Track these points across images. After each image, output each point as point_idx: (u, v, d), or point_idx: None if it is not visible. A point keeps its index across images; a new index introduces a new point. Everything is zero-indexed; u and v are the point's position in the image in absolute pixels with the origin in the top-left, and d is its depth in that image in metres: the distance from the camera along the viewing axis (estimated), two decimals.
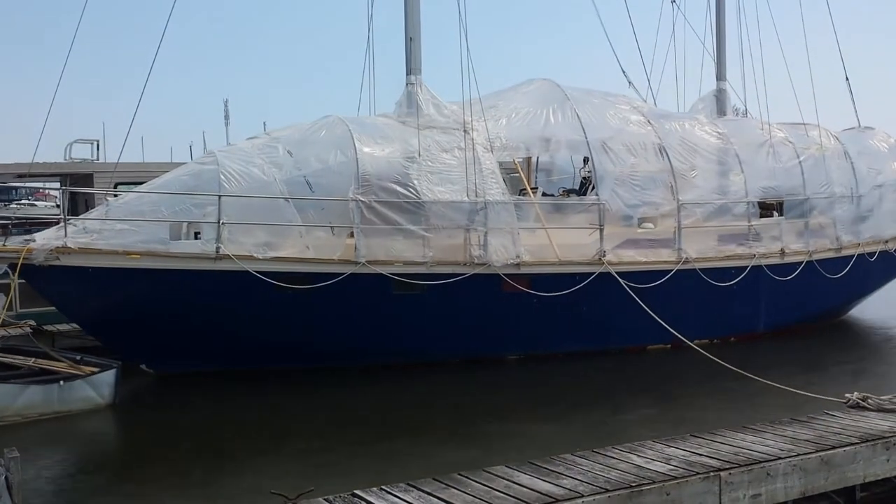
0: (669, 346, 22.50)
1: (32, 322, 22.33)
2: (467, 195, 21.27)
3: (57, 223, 20.65)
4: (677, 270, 23.02)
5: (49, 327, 22.79)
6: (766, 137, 26.72)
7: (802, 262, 25.50)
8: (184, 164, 24.65)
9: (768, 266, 24.87)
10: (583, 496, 9.24)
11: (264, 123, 61.94)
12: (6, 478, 10.18)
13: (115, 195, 22.52)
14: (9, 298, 21.63)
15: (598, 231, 22.44)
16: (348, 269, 19.97)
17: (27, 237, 20.22)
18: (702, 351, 19.16)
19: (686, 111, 28.75)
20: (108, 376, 18.43)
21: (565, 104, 24.44)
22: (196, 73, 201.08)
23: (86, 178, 26.89)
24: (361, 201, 20.48)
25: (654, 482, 9.60)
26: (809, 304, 26.37)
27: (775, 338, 24.98)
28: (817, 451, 10.74)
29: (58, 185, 27.97)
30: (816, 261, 25.88)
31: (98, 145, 30.67)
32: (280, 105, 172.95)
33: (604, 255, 22.16)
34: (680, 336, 20.47)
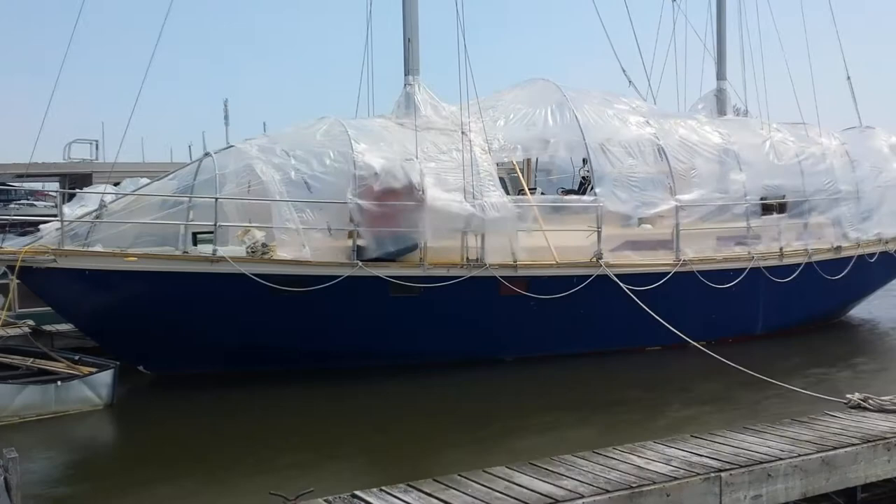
0: (668, 347, 22.49)
1: (31, 322, 22.35)
2: (465, 197, 21.21)
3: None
4: (675, 272, 23.00)
5: (48, 327, 22.78)
6: (766, 137, 26.69)
7: (801, 264, 25.47)
8: (184, 164, 24.62)
9: (767, 268, 24.83)
10: (583, 497, 9.22)
11: (264, 124, 62.02)
12: (5, 478, 10.15)
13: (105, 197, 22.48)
14: (8, 299, 21.62)
15: (595, 232, 22.42)
16: (345, 272, 19.94)
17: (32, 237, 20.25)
18: (710, 353, 19.07)
19: (686, 111, 28.74)
20: (106, 377, 18.40)
21: (564, 105, 24.41)
22: (196, 74, 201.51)
23: (84, 178, 26.86)
24: (358, 203, 20.46)
25: (655, 483, 9.58)
26: (808, 306, 26.33)
27: (773, 339, 24.94)
28: (818, 452, 10.73)
29: (57, 185, 27.98)
30: (815, 262, 25.86)
31: (97, 145, 30.67)
32: (280, 105, 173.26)
33: (601, 257, 22.12)
34: (686, 338, 20.38)
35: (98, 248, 19.60)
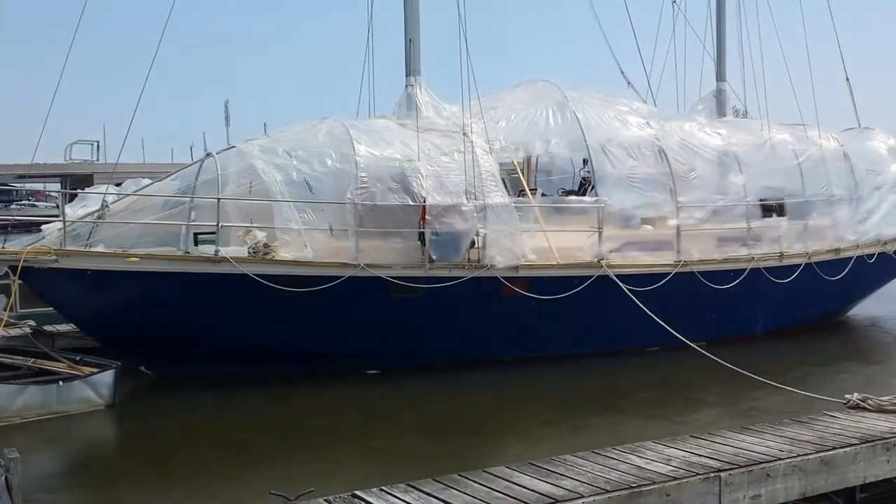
0: (669, 348, 22.48)
1: (32, 322, 22.35)
2: (466, 198, 21.23)
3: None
4: (676, 273, 23.02)
5: (49, 328, 22.78)
6: (765, 138, 26.73)
7: (801, 265, 25.49)
8: (184, 164, 24.63)
9: (767, 268, 24.85)
10: (583, 497, 9.24)
11: (265, 125, 62.03)
12: (6, 478, 10.18)
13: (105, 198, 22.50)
14: (10, 300, 21.64)
15: (597, 233, 22.45)
16: (347, 272, 19.97)
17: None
18: (711, 356, 19.05)
19: (686, 112, 28.75)
20: (107, 377, 18.43)
21: (564, 105, 24.45)
22: (197, 74, 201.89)
23: (86, 179, 26.84)
24: (359, 203, 20.50)
25: (655, 483, 9.60)
26: (807, 307, 26.35)
27: (773, 339, 24.96)
28: (817, 452, 10.74)
29: (58, 185, 28.01)
30: (815, 263, 25.88)
31: (98, 146, 30.62)
32: (280, 106, 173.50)
33: (602, 258, 22.15)
34: (686, 340, 20.34)
35: (100, 249, 19.65)
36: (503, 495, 9.33)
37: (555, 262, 21.88)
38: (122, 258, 19.20)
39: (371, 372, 21.06)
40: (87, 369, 18.69)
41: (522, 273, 21.47)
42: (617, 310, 21.92)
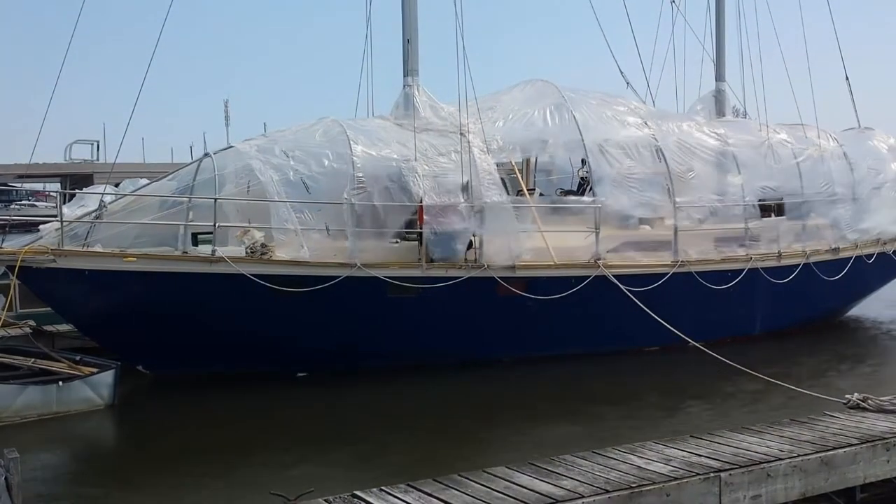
0: (667, 348, 22.48)
1: (32, 322, 22.33)
2: (463, 198, 21.22)
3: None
4: (673, 273, 23.01)
5: (49, 328, 22.75)
6: (764, 138, 26.72)
7: (799, 265, 25.47)
8: (184, 164, 24.61)
9: (765, 268, 24.83)
10: (583, 497, 9.24)
11: (265, 124, 62.22)
12: (6, 478, 10.18)
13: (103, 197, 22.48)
14: (9, 299, 21.63)
15: (594, 233, 22.44)
16: (344, 273, 19.96)
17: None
18: (710, 352, 19.05)
19: (685, 112, 28.74)
20: (107, 377, 18.43)
21: (562, 105, 24.41)
22: (197, 74, 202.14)
23: (86, 179, 26.86)
24: (356, 203, 20.48)
25: (655, 483, 9.60)
26: (806, 307, 26.34)
27: (772, 339, 24.94)
28: (817, 452, 10.74)
29: (58, 185, 28.08)
30: (814, 263, 25.85)
31: (98, 146, 30.66)
32: (280, 106, 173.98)
33: (600, 259, 22.14)
34: (686, 338, 20.33)
35: (98, 249, 19.62)
36: (503, 495, 9.33)
37: (552, 263, 21.87)
38: (120, 258, 19.16)
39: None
40: (86, 369, 18.70)
41: (519, 273, 21.45)
42: (614, 310, 21.93)
